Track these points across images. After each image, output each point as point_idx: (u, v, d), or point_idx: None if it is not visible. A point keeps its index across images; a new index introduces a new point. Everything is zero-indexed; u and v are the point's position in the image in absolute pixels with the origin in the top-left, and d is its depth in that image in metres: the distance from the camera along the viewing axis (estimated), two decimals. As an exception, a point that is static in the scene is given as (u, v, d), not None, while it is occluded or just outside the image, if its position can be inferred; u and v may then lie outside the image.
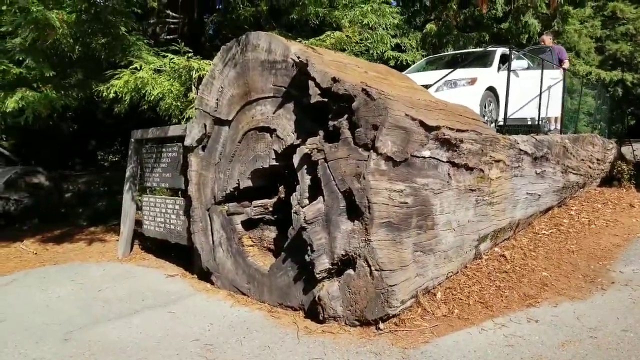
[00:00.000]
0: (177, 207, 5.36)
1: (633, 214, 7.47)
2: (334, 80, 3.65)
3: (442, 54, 9.51)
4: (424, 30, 11.59)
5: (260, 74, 4.30)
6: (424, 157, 3.99)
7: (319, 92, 3.72)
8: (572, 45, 24.97)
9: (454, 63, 8.02)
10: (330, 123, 3.74)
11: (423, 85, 6.41)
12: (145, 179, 6.02)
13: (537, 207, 6.35)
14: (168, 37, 9.79)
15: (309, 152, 3.81)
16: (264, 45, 4.27)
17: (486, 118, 6.57)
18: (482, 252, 5.02)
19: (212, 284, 4.74)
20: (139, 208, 6.39)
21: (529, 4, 10.55)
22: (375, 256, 3.46)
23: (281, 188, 4.48)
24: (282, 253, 4.08)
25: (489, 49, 7.79)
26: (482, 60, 7.28)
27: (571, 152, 7.35)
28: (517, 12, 11.08)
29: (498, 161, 5.15)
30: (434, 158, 4.12)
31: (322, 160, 3.71)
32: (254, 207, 4.47)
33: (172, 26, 9.52)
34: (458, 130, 4.27)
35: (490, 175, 5.02)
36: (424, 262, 3.96)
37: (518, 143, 5.53)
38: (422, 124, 3.79)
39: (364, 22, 6.71)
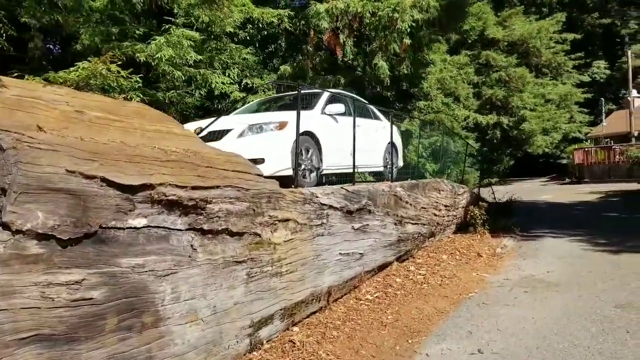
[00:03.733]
0: None
1: (476, 265, 6.92)
2: (-41, 122, 2.44)
3: (275, 95, 8.76)
4: (279, 72, 10.91)
5: None
6: (136, 228, 2.87)
7: (-60, 139, 2.49)
8: (451, 91, 26.33)
9: (287, 105, 7.20)
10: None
11: (223, 130, 5.45)
12: None
13: (360, 268, 5.49)
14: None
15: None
16: None
17: (303, 167, 5.69)
18: (264, 339, 3.93)
19: None
20: None
21: (381, 46, 10.24)
22: (-4, 397, 2.19)
23: None
24: None
25: (317, 90, 7.09)
26: (306, 103, 6.51)
27: (407, 201, 6.70)
28: (371, 55, 10.79)
29: (286, 221, 4.19)
30: (159, 227, 3.02)
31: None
32: None
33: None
34: (196, 188, 3.23)
35: (273, 240, 4.02)
36: (130, 381, 2.76)
37: (317, 197, 4.64)
38: (110, 183, 2.68)
39: (156, 56, 5.66)
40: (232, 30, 8.97)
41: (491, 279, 6.12)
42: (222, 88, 8.42)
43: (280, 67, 10.81)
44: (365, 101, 8.18)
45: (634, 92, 28.02)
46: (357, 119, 7.15)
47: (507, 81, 29.34)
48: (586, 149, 26.27)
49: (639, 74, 34.25)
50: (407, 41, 9.55)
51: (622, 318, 4.36)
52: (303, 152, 5.77)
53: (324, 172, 6.15)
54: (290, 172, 5.40)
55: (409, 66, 10.16)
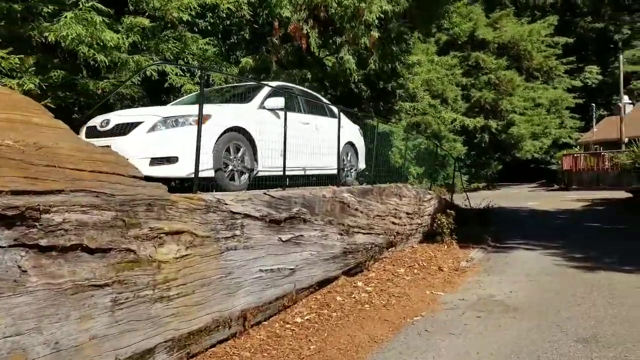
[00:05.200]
0: None
1: (434, 281, 6.22)
2: None
3: (218, 87, 8.02)
4: (240, 65, 10.15)
5: None
6: None
7: None
8: (439, 93, 25.67)
9: (229, 98, 6.46)
10: None
11: (132, 123, 4.69)
12: None
13: (291, 285, 4.76)
14: None
15: None
16: None
17: (230, 167, 4.97)
18: (138, 378, 3.19)
19: None
20: None
21: (349, 39, 9.51)
22: None
23: None
24: None
25: (252, 83, 6.39)
26: (243, 96, 5.78)
27: (357, 208, 5.99)
28: (338, 49, 10.07)
29: (177, 233, 3.45)
30: (-41, 244, 2.28)
31: None
32: None
33: None
34: (21, 193, 2.49)
35: (156, 257, 3.29)
36: None
37: (227, 204, 3.91)
38: None
39: (62, 34, 4.88)
40: (188, 18, 8.24)
41: (445, 299, 5.42)
42: (172, 79, 7.67)
43: (242, 59, 10.04)
44: (326, 99, 7.46)
45: (625, 99, 27.45)
46: (307, 116, 6.49)
47: (496, 84, 28.74)
48: (575, 155, 25.67)
49: (630, 80, 33.79)
50: (376, 34, 8.83)
51: (582, 358, 3.66)
52: (232, 150, 5.06)
53: (260, 174, 5.42)
54: (210, 174, 4.67)
55: (377, 61, 9.42)
